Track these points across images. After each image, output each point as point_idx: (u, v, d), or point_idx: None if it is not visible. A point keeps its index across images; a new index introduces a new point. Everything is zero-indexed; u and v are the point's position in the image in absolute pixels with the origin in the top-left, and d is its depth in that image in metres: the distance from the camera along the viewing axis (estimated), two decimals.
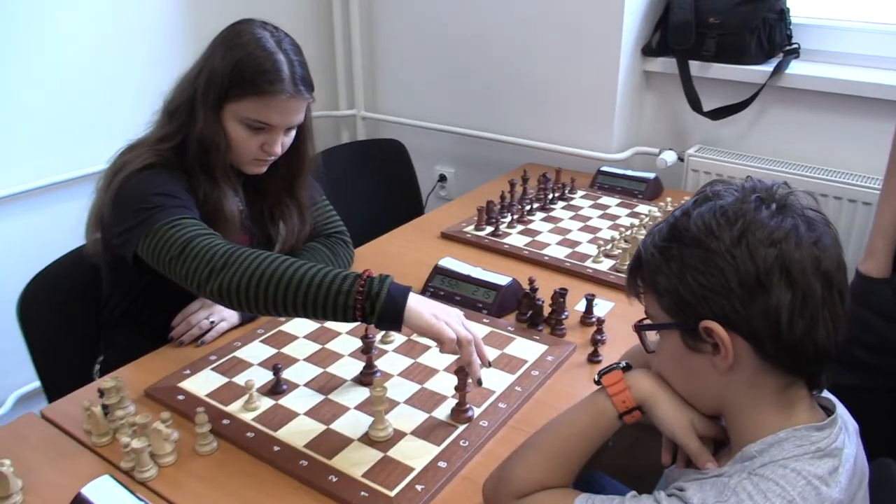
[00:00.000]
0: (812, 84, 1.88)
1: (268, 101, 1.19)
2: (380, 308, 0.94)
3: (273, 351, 1.23)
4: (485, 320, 1.32)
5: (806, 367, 0.72)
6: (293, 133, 1.29)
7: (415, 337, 1.24)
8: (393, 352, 1.23)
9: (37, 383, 1.37)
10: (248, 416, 1.06)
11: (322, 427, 1.04)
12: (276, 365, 1.12)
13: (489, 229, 1.71)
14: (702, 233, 0.71)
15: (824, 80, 1.86)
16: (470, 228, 1.73)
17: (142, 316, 1.35)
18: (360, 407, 1.08)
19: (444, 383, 1.13)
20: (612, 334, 1.26)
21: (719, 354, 0.72)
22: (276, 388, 1.12)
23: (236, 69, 1.17)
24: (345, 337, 1.27)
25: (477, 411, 1.07)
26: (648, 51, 2.11)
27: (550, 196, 1.88)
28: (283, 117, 1.22)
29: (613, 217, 1.80)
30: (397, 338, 1.26)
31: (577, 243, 1.65)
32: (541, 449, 0.87)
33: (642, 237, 0.82)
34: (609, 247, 1.58)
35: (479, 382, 1.01)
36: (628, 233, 1.63)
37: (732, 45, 1.95)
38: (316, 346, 1.24)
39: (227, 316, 1.29)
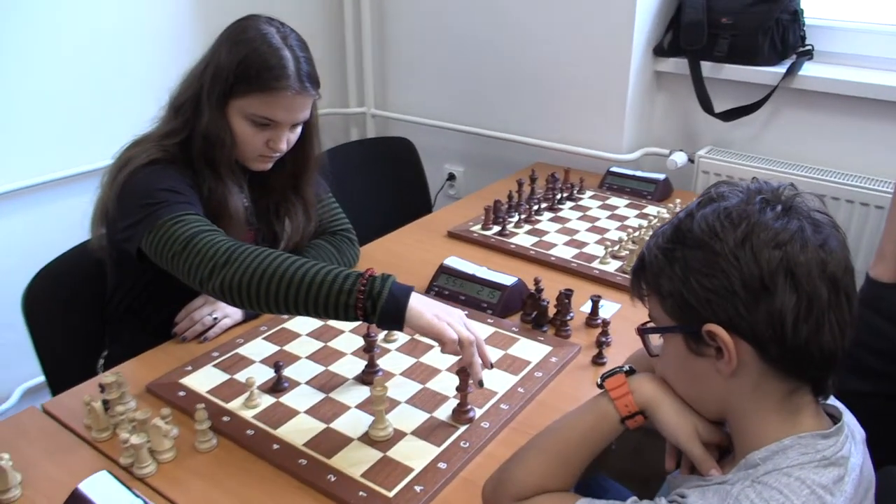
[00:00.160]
0: (825, 86, 1.86)
1: (273, 97, 1.18)
2: (381, 307, 0.93)
3: (275, 348, 1.23)
4: (489, 320, 1.31)
5: (811, 372, 0.71)
6: (299, 130, 1.29)
7: (418, 336, 1.23)
8: (395, 351, 1.22)
9: (42, 377, 1.37)
10: (248, 414, 1.06)
11: (322, 426, 1.03)
12: (277, 362, 1.12)
13: (496, 229, 1.70)
14: (705, 235, 0.70)
15: (838, 82, 1.84)
16: (477, 228, 1.72)
17: (146, 311, 1.35)
18: (360, 406, 1.08)
19: (446, 383, 1.12)
20: (618, 336, 1.25)
21: (723, 359, 0.71)
22: (277, 386, 1.11)
23: (242, 65, 1.17)
24: (347, 335, 1.26)
25: (478, 412, 1.06)
26: (660, 51, 2.09)
27: (559, 196, 1.87)
28: (288, 114, 1.22)
29: (622, 218, 1.78)
30: (400, 337, 1.25)
31: (584, 244, 1.63)
32: (541, 452, 0.86)
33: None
34: (616, 248, 1.57)
35: (481, 384, 1.00)
36: (636, 234, 1.62)
37: (745, 45, 1.93)
38: (318, 344, 1.24)
39: (230, 313, 1.28)
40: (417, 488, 0.91)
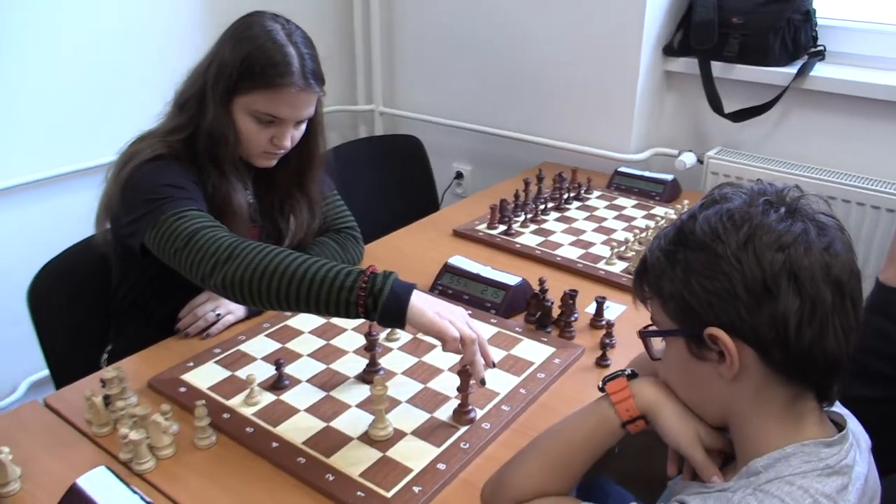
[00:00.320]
0: (837, 87, 1.84)
1: (277, 94, 1.18)
2: (382, 304, 0.93)
3: (277, 345, 1.22)
4: (492, 320, 1.30)
5: (815, 377, 0.70)
6: (303, 127, 1.28)
7: (420, 336, 1.23)
8: (398, 350, 1.21)
9: (48, 371, 1.38)
10: (248, 411, 1.06)
11: (322, 424, 1.03)
12: (278, 360, 1.11)
13: (502, 228, 1.69)
14: (707, 237, 0.69)
15: (850, 83, 1.82)
16: (482, 227, 1.71)
17: (150, 306, 1.35)
18: (361, 405, 1.07)
19: (448, 383, 1.11)
20: (622, 338, 1.24)
21: (724, 363, 0.70)
22: (277, 384, 1.11)
23: (246, 61, 1.16)
24: (350, 333, 1.26)
25: (479, 413, 1.05)
26: (670, 50, 2.07)
27: (566, 196, 1.86)
28: (292, 110, 1.21)
29: (629, 218, 1.77)
30: (403, 336, 1.25)
31: (590, 244, 1.62)
32: (541, 455, 0.85)
33: None
34: (623, 249, 1.56)
35: (483, 383, 1.00)
36: (642, 235, 1.60)
37: (756, 45, 1.91)
38: (321, 342, 1.23)
39: (233, 309, 1.28)
40: (416, 489, 0.91)
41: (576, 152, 2.19)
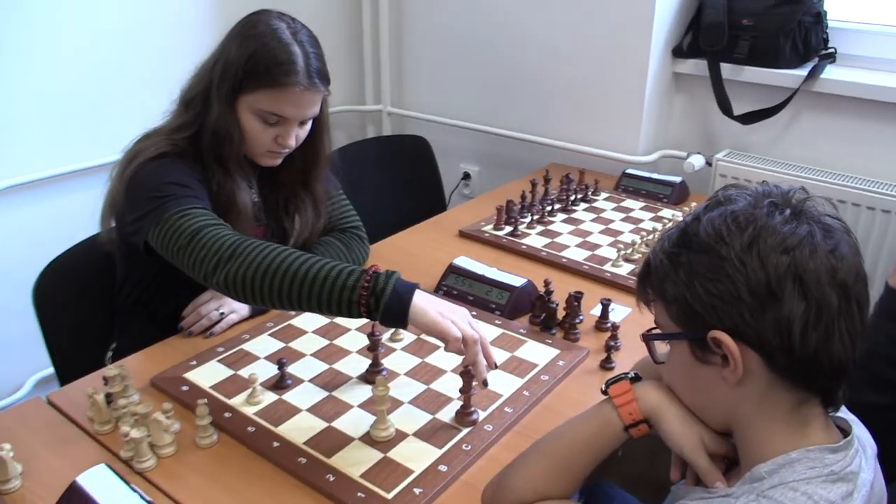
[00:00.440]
0: (848, 90, 1.82)
1: (282, 92, 1.18)
2: (384, 304, 0.92)
3: (281, 345, 1.22)
4: (497, 321, 1.30)
5: (820, 382, 0.68)
6: (308, 126, 1.28)
7: (424, 336, 1.22)
8: (401, 350, 1.21)
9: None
10: (250, 410, 1.05)
11: (324, 424, 1.02)
12: (280, 359, 1.11)
13: (508, 229, 1.68)
14: (711, 239, 0.68)
15: (861, 85, 1.80)
16: (489, 228, 1.70)
17: (154, 304, 1.35)
18: (363, 405, 1.07)
19: (451, 385, 1.11)
20: (627, 341, 1.23)
21: (728, 367, 0.69)
22: (280, 383, 1.10)
23: (251, 60, 1.16)
24: (354, 333, 1.25)
25: (482, 415, 1.04)
26: (679, 52, 2.06)
27: (573, 197, 1.85)
28: (297, 110, 1.21)
29: (636, 221, 1.76)
30: (406, 336, 1.24)
31: (597, 246, 1.61)
32: (543, 458, 0.84)
33: None
34: (629, 251, 1.55)
35: (485, 384, 0.99)
36: (649, 237, 1.59)
37: (766, 47, 1.89)
38: (324, 342, 1.23)
39: (237, 308, 1.28)
40: (417, 490, 0.90)
41: (584, 154, 2.18)
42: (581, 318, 1.29)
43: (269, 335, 1.25)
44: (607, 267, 1.51)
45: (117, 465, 0.96)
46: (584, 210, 1.82)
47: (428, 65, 2.50)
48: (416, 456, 0.96)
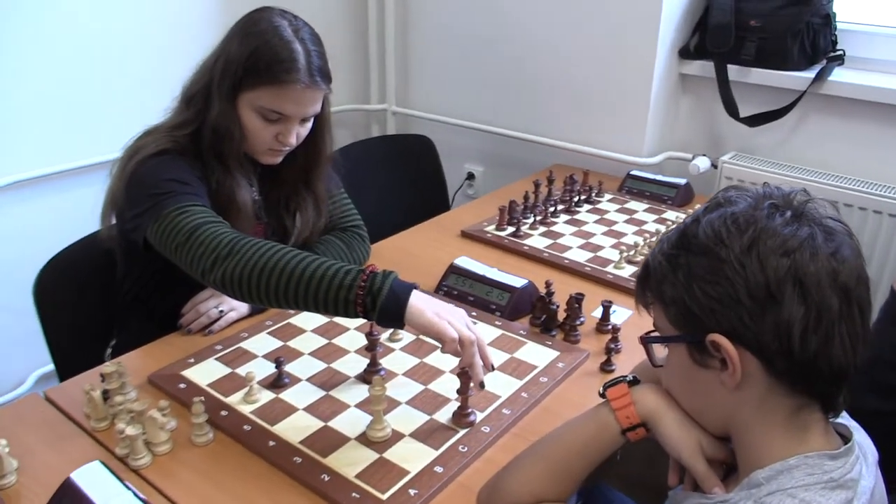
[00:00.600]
0: (856, 92, 1.81)
1: (283, 90, 1.17)
2: (381, 304, 0.92)
3: (279, 343, 1.22)
4: (497, 322, 1.29)
5: (820, 387, 0.67)
6: (310, 124, 1.28)
7: (423, 336, 1.21)
8: (400, 350, 1.20)
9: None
10: (246, 409, 1.05)
11: (320, 424, 1.02)
12: (278, 358, 1.10)
13: (510, 229, 1.67)
14: (710, 240, 0.67)
15: (869, 88, 1.78)
16: (491, 228, 1.69)
17: (153, 301, 1.35)
18: (360, 405, 1.06)
19: (449, 385, 1.10)
20: (628, 343, 1.22)
21: (727, 370, 0.68)
22: (277, 382, 1.10)
23: (252, 57, 1.16)
24: (352, 332, 1.25)
25: (479, 416, 1.04)
26: (686, 53, 2.05)
27: (576, 199, 1.84)
28: (297, 107, 1.20)
29: (640, 223, 1.75)
30: (405, 336, 1.24)
31: (599, 248, 1.60)
32: (539, 460, 0.83)
33: None
34: (632, 253, 1.54)
35: (482, 386, 0.98)
36: (652, 239, 1.58)
37: (773, 49, 1.88)
38: (323, 341, 1.22)
39: (236, 306, 1.28)
40: (412, 492, 0.89)
41: (588, 154, 2.17)
42: (582, 319, 1.28)
43: (268, 333, 1.24)
44: (609, 269, 1.50)
45: (113, 462, 0.95)
46: (588, 211, 1.81)
47: (433, 64, 2.50)
48: (412, 457, 0.95)
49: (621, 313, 1.34)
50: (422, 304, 0.93)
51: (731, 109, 1.95)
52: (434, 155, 2.28)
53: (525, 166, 2.31)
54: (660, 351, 0.78)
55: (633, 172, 1.97)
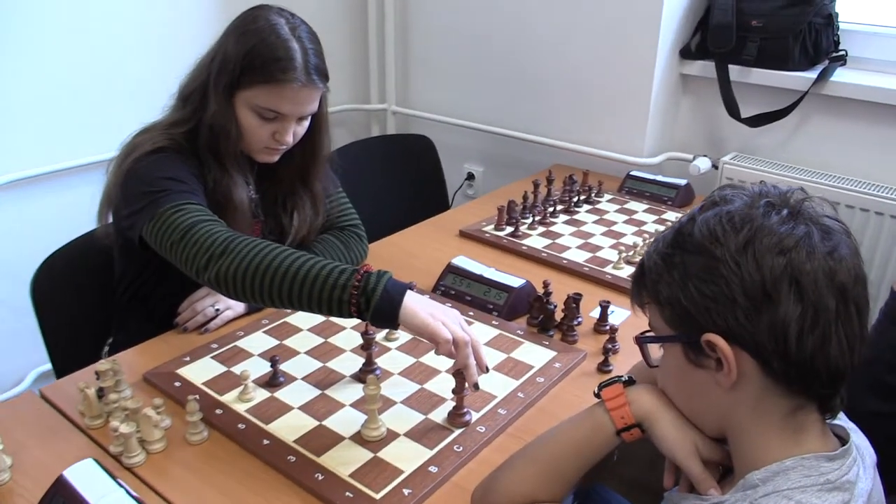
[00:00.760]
0: (858, 93, 1.80)
1: (279, 89, 1.17)
2: (374, 304, 0.91)
3: (275, 342, 1.21)
4: (494, 322, 1.28)
5: (817, 388, 0.66)
6: (307, 123, 1.27)
7: (418, 337, 1.21)
8: (396, 350, 1.20)
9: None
10: (241, 408, 1.04)
11: (314, 423, 1.01)
12: (273, 357, 1.10)
13: (509, 229, 1.67)
14: (705, 239, 0.66)
15: (872, 89, 1.77)
16: (489, 228, 1.69)
17: (150, 300, 1.34)
18: (355, 405, 1.05)
19: (445, 385, 1.09)
20: (626, 344, 1.21)
21: (722, 370, 0.67)
22: (272, 381, 1.10)
23: (249, 56, 1.15)
24: (348, 332, 1.24)
25: (475, 416, 1.03)
26: (687, 53, 2.04)
27: (575, 199, 1.83)
28: (294, 106, 1.20)
29: (639, 223, 1.74)
30: (401, 336, 1.23)
31: (598, 248, 1.59)
32: (533, 461, 0.83)
33: None
34: (631, 253, 1.53)
35: (476, 387, 0.97)
36: (652, 240, 1.57)
37: (775, 49, 1.87)
38: (318, 340, 1.22)
39: (232, 304, 1.27)
40: (406, 491, 0.89)
41: (588, 155, 2.16)
42: (579, 320, 1.28)
43: (264, 332, 1.24)
44: (608, 269, 1.49)
45: (107, 459, 0.95)
46: (587, 211, 1.80)
47: (433, 64, 2.49)
48: (407, 456, 0.95)
49: (619, 314, 1.33)
50: (416, 304, 0.92)
51: (733, 110, 1.94)
52: (434, 155, 2.27)
53: (525, 166, 2.31)
54: (655, 351, 0.78)
55: (633, 173, 1.97)
